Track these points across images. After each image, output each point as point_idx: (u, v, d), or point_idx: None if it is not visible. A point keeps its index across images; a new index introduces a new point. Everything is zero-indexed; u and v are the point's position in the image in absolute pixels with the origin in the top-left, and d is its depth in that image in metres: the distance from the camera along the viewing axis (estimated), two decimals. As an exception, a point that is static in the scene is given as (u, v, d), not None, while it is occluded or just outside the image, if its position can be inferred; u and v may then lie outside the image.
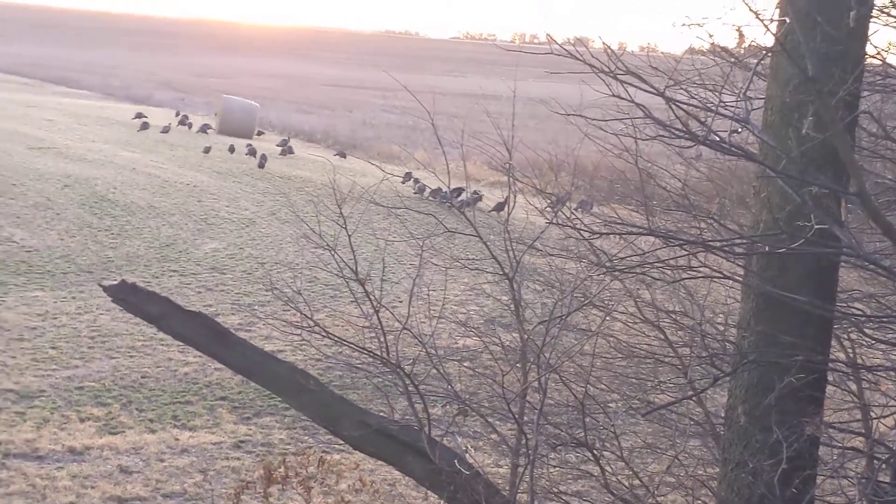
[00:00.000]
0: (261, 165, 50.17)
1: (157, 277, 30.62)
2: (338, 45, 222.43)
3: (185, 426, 20.33)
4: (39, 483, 17.39)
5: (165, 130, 60.47)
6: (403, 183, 44.19)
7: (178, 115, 69.35)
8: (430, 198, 45.12)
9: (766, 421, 9.14)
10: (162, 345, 24.15)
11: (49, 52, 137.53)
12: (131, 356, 23.72)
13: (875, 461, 10.46)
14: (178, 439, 19.67)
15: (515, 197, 14.17)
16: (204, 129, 63.55)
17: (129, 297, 12.77)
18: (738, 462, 9.55)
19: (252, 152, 53.05)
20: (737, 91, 8.84)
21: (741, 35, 8.98)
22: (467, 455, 13.01)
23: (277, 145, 59.14)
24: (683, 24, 9.13)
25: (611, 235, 10.29)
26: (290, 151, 55.92)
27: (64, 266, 30.78)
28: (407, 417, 12.81)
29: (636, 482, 11.25)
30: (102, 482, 17.68)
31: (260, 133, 67.90)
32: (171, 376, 22.75)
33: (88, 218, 36.75)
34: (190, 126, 63.86)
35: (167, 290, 27.62)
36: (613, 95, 8.70)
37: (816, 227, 7.84)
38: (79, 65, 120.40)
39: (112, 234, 35.15)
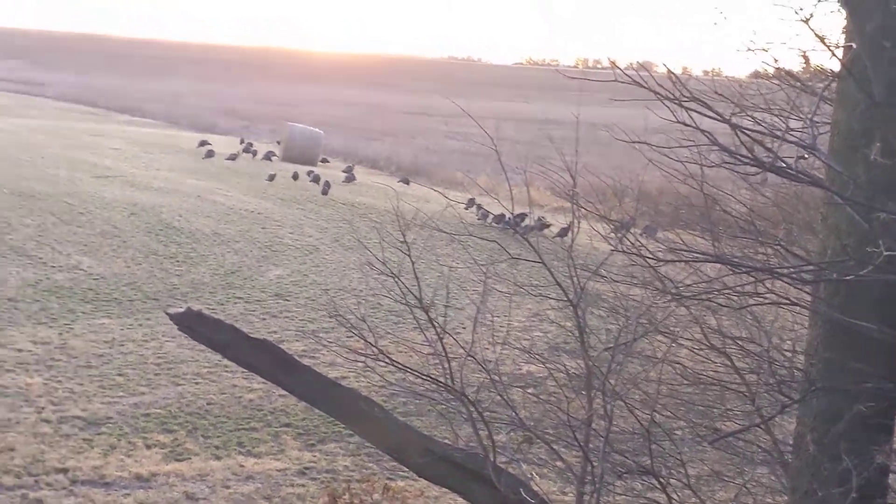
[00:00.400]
0: (324, 192, 50.32)
1: (222, 304, 30.76)
2: (401, 71, 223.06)
3: (250, 453, 20.37)
4: (106, 510, 17.49)
5: (232, 158, 60.75)
6: (466, 209, 44.20)
7: (242, 142, 69.71)
8: (494, 224, 45.07)
9: (835, 449, 9.03)
10: (227, 371, 24.23)
11: (115, 82, 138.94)
12: (197, 383, 23.82)
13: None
14: (243, 466, 19.70)
15: (579, 223, 14.12)
16: (268, 156, 63.81)
17: (194, 324, 12.83)
18: (807, 491, 9.45)
19: (315, 179, 53.22)
20: (803, 116, 8.78)
21: (807, 60, 8.94)
22: (532, 483, 12.96)
23: (343, 171, 59.33)
24: (748, 49, 9.08)
25: (676, 262, 10.23)
26: (353, 179, 56.02)
27: (130, 293, 30.98)
28: (471, 444, 12.77)
29: (703, 510, 11.14)
30: (168, 509, 17.76)
31: (324, 160, 68.13)
32: (237, 403, 22.81)
33: (154, 245, 36.99)
34: (255, 154, 64.16)
35: (232, 317, 27.74)
36: (678, 122, 8.66)
37: (885, 253, 7.75)
38: (144, 93, 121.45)
39: (178, 261, 35.35)
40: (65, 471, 18.69)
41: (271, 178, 53.21)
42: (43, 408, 21.46)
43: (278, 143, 71.70)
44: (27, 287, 30.24)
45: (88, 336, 26.60)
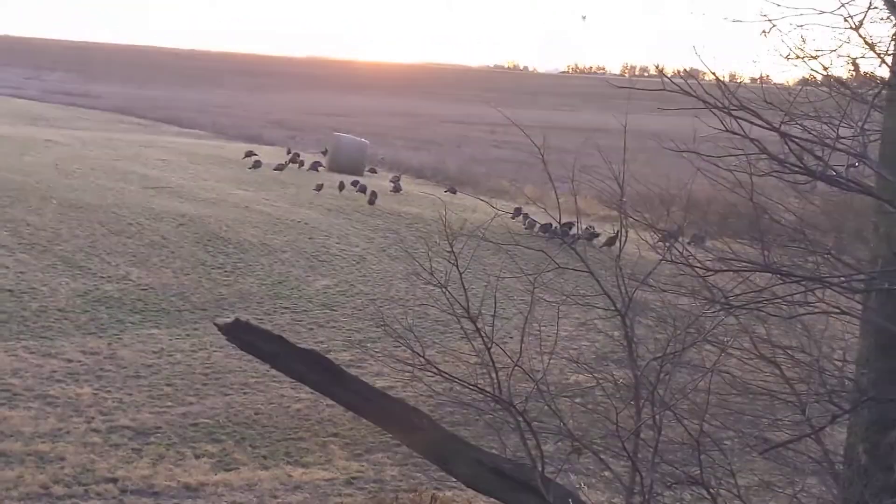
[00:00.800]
0: (371, 202, 50.30)
1: (269, 315, 30.83)
2: (447, 81, 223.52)
3: (297, 462, 20.39)
4: (156, 519, 17.56)
5: (279, 168, 60.75)
6: (513, 218, 44.15)
7: (289, 152, 69.84)
8: (540, 233, 44.99)
9: (887, 459, 8.97)
10: (274, 381, 24.28)
11: (163, 93, 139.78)
12: (245, 393, 23.88)
13: None
14: (290, 476, 19.73)
15: (627, 232, 14.08)
16: (314, 166, 63.85)
17: (242, 334, 12.90)
18: (859, 501, 9.38)
19: (362, 189, 53.22)
20: (853, 124, 8.71)
21: (856, 67, 8.86)
22: (581, 493, 12.93)
23: (390, 181, 59.35)
24: (797, 57, 9.02)
25: (725, 271, 10.17)
26: (399, 189, 55.96)
27: (178, 304, 31.10)
28: (519, 455, 12.74)
29: (753, 521, 11.07)
30: (217, 519, 17.81)
31: (371, 170, 68.21)
32: (284, 413, 22.84)
33: (202, 256, 37.10)
34: (301, 164, 64.19)
35: (279, 328, 27.80)
36: (727, 130, 8.61)
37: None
38: (191, 104, 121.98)
39: (225, 271, 35.46)
40: (114, 480, 18.77)
41: (319, 188, 53.20)
42: (92, 418, 21.56)
43: (323, 152, 71.79)
44: (77, 297, 30.41)
45: (137, 346, 26.73)
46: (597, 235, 43.79)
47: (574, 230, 37.23)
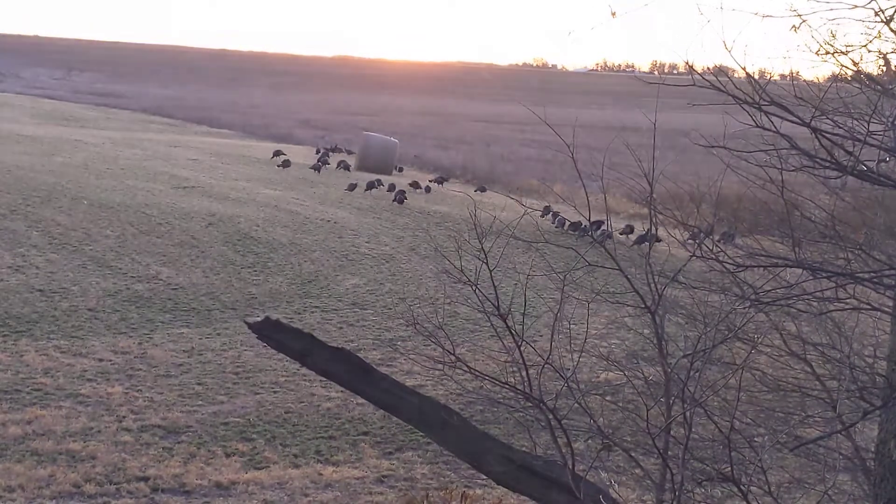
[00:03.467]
0: (399, 201, 50.33)
1: (299, 313, 30.90)
2: (475, 79, 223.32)
3: (328, 461, 20.43)
4: (187, 518, 17.62)
5: (316, 169, 60.74)
6: (542, 217, 44.13)
7: (318, 152, 69.96)
8: (570, 231, 44.96)
9: (918, 456, 8.93)
10: (305, 380, 24.33)
11: (191, 93, 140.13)
12: (275, 392, 23.93)
13: None
14: (321, 474, 19.75)
15: (657, 229, 14.05)
16: (342, 165, 63.86)
17: (272, 333, 12.90)
18: (891, 498, 9.36)
19: (391, 189, 53.20)
20: (884, 120, 8.68)
21: (888, 62, 8.82)
22: (611, 490, 12.90)
23: (432, 181, 59.40)
24: (827, 52, 8.99)
25: (755, 268, 10.15)
26: (428, 190, 55.88)
27: (209, 303, 31.20)
28: (550, 452, 12.75)
29: (785, 518, 11.04)
30: (248, 517, 17.85)
31: (400, 169, 68.26)
32: (315, 411, 22.88)
33: (232, 255, 37.22)
34: (327, 164, 64.01)
35: (309, 326, 27.85)
36: (757, 126, 8.59)
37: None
38: (220, 104, 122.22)
39: (255, 270, 35.55)
40: (145, 479, 18.83)
41: (351, 187, 53.21)
42: (124, 416, 21.65)
43: (348, 152, 72.04)
44: (107, 297, 30.55)
45: (167, 345, 26.83)
46: (631, 230, 44.10)
47: (604, 228, 37.15)
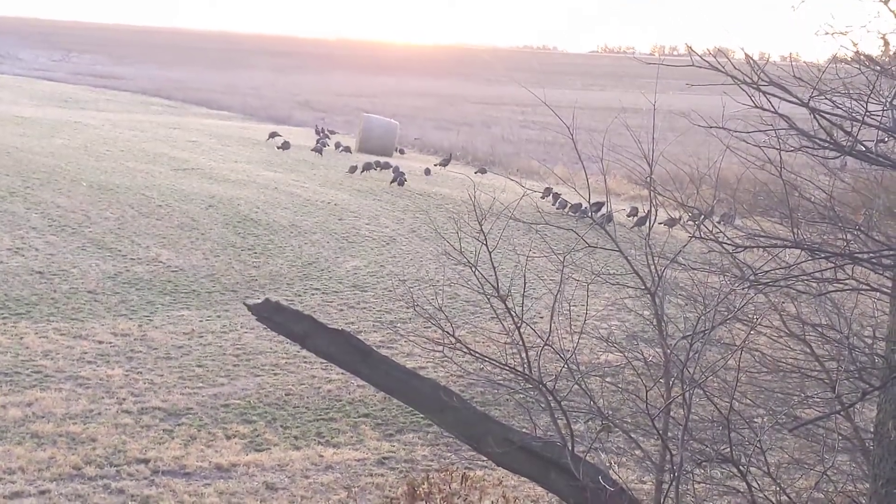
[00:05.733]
0: (400, 183, 50.26)
1: (299, 296, 30.90)
2: (475, 61, 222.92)
3: (328, 443, 20.44)
4: (188, 500, 17.59)
5: (317, 150, 60.55)
6: (543, 198, 44.12)
7: (318, 132, 69.89)
8: (570, 213, 44.97)
9: (917, 436, 8.94)
10: (305, 362, 24.34)
11: (192, 75, 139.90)
12: (275, 374, 23.94)
13: None
14: (322, 456, 19.77)
15: (657, 211, 14.07)
16: (345, 148, 63.72)
17: (273, 315, 12.91)
18: (889, 478, 9.37)
19: (393, 170, 53.08)
20: (883, 100, 8.68)
21: (886, 43, 8.82)
22: (611, 471, 12.94)
23: (437, 164, 59.39)
24: (826, 33, 8.98)
25: (754, 248, 10.16)
26: (428, 173, 55.70)
27: (209, 285, 31.19)
28: (550, 434, 12.75)
29: (784, 498, 11.07)
30: (249, 499, 17.84)
31: (401, 151, 68.21)
32: (315, 394, 22.89)
33: (232, 237, 37.19)
34: (326, 145, 63.81)
35: (309, 308, 27.86)
36: (756, 107, 8.59)
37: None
38: (220, 86, 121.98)
39: (255, 253, 35.53)
40: (146, 461, 18.85)
41: (352, 170, 53.14)
42: (124, 399, 21.66)
43: (347, 135, 72.13)
44: (107, 279, 30.54)
45: (168, 328, 26.83)
46: (636, 213, 44.02)
47: (604, 210, 37.16)
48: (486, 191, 16.81)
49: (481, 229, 12.72)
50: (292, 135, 68.24)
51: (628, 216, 43.75)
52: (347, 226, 40.95)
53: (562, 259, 13.03)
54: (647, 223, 13.86)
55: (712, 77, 9.25)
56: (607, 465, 13.55)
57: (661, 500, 11.78)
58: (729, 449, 10.31)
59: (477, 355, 12.91)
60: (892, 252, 9.43)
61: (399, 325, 27.75)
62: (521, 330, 12.22)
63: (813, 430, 13.36)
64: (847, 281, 10.06)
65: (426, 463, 19.71)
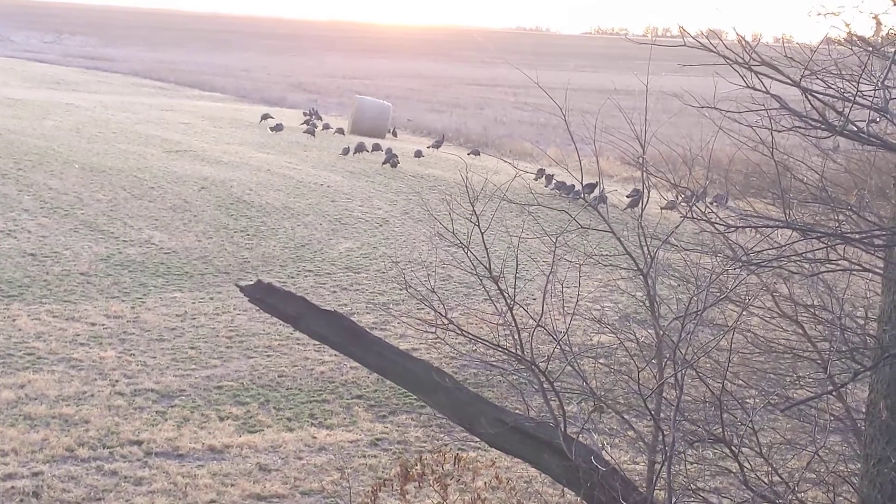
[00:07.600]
0: (393, 165, 50.19)
1: (292, 277, 30.89)
2: (468, 43, 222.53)
3: (322, 424, 20.46)
4: (181, 481, 17.62)
5: (310, 132, 60.32)
6: (536, 180, 44.09)
7: (307, 114, 69.70)
8: (563, 194, 44.79)
9: (909, 416, 8.96)
10: (298, 344, 24.35)
11: (184, 56, 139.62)
12: (268, 356, 23.95)
13: None
14: (315, 437, 19.80)
15: (650, 192, 14.07)
16: (338, 130, 63.61)
17: (265, 297, 12.93)
18: (881, 458, 9.39)
19: (386, 152, 52.99)
20: (874, 80, 8.68)
21: (878, 23, 8.83)
22: (604, 452, 12.96)
23: (429, 146, 59.25)
24: (818, 14, 8.98)
25: (747, 229, 10.17)
26: (419, 155, 55.44)
27: (201, 267, 31.17)
28: (543, 415, 12.78)
29: (776, 478, 11.08)
30: (242, 480, 17.86)
31: (394, 133, 68.13)
32: (308, 375, 22.91)
33: (225, 219, 37.17)
34: (316, 126, 63.51)
35: (302, 290, 27.85)
36: (748, 87, 8.59)
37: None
38: (212, 68, 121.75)
39: (248, 235, 35.51)
40: (139, 443, 18.87)
41: (345, 152, 53.06)
42: (117, 381, 21.67)
43: (341, 117, 71.97)
44: (99, 262, 30.53)
45: (160, 310, 26.83)
46: (640, 197, 43.75)
47: (597, 191, 37.08)
48: (478, 172, 16.76)
49: (474, 211, 12.72)
50: (285, 117, 68.12)
51: (628, 196, 43.47)
52: (340, 208, 40.93)
53: (554, 240, 13.03)
54: (640, 204, 13.84)
55: (705, 58, 9.25)
56: (600, 445, 13.58)
57: (654, 480, 11.80)
58: (721, 429, 10.32)
59: (470, 337, 12.93)
60: (883, 232, 9.44)
61: (392, 306, 27.77)
62: (514, 311, 12.24)
63: (805, 410, 13.38)
64: (839, 261, 10.09)
65: (419, 444, 19.73)
